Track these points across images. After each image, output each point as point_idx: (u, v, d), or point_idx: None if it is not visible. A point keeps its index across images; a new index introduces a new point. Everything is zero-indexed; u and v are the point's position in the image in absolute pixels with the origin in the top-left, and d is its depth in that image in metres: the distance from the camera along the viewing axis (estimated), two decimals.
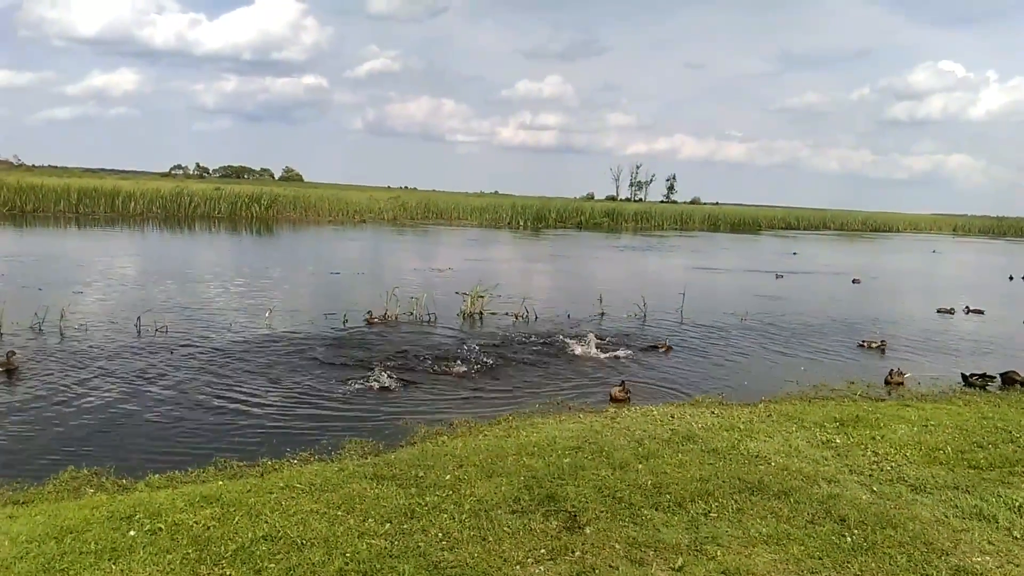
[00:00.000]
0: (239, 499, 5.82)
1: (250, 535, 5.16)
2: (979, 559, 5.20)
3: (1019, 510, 6.10)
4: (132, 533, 5.15)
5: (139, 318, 13.85)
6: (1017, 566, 5.13)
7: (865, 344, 14.80)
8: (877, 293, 25.54)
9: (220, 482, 6.45)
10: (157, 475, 6.75)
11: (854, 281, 27.78)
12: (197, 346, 12.34)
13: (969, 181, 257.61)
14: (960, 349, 15.34)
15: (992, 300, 24.02)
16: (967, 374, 11.93)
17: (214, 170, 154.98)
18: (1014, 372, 11.83)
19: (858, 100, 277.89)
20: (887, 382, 11.62)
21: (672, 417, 8.79)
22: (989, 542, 5.50)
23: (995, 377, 11.78)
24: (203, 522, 5.37)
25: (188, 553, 4.90)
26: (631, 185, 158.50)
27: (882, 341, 14.90)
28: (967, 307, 20.88)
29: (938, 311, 20.60)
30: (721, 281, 26.87)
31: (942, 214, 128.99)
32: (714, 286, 25.20)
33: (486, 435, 8.02)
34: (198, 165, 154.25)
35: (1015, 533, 5.65)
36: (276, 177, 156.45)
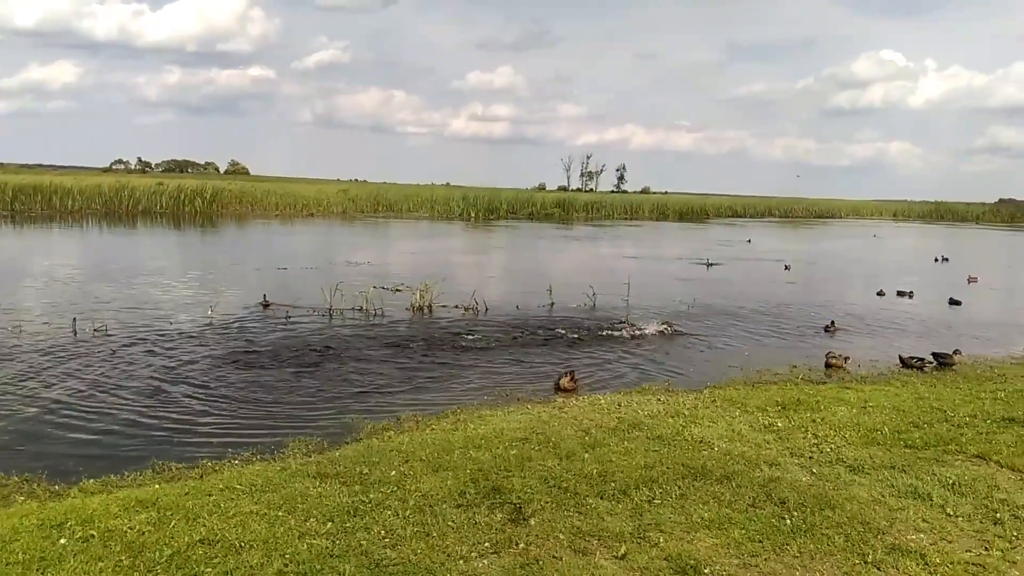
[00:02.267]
0: (176, 502, 5.67)
1: (186, 539, 5.03)
2: (914, 537, 5.34)
3: (952, 488, 6.27)
4: (63, 541, 4.97)
5: (75, 319, 13.44)
6: (950, 543, 5.27)
7: (831, 329, 15.19)
8: (813, 278, 26.10)
9: (157, 485, 6.28)
10: (92, 480, 6.54)
11: (785, 267, 28.34)
12: (137, 346, 12.01)
13: (909, 167, 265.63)
14: (894, 330, 15.76)
15: (922, 282, 24.85)
16: (904, 356, 12.24)
17: (157, 164, 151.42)
18: (949, 353, 12.22)
19: (803, 89, 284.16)
20: (827, 364, 11.87)
21: (619, 405, 8.85)
22: (924, 520, 5.64)
23: (932, 360, 12.12)
24: (138, 527, 5.22)
25: (121, 560, 4.75)
26: (582, 175, 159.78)
27: (832, 322, 15.34)
28: (910, 291, 21.44)
29: (878, 294, 21.18)
30: (667, 269, 27.16)
31: (883, 200, 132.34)
32: (660, 274, 25.46)
33: (433, 429, 7.96)
34: (140, 159, 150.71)
35: (948, 510, 5.80)
36: (222, 171, 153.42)
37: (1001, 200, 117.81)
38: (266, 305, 15.91)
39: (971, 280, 24.87)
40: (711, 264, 28.55)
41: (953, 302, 20.03)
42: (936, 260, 34.05)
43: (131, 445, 7.75)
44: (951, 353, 12.25)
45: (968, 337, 14.78)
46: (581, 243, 40.94)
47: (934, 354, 12.28)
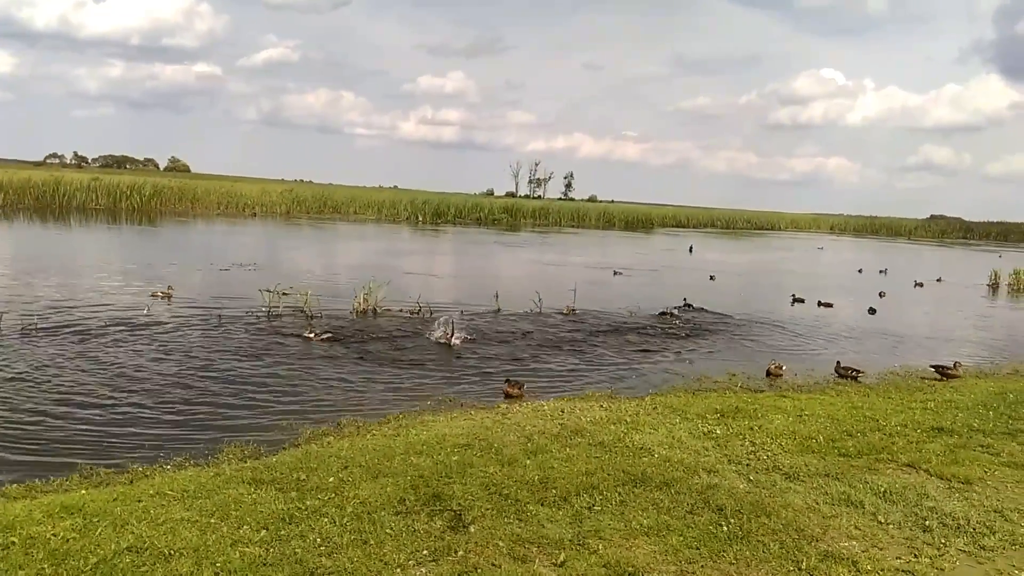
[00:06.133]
0: (104, 508, 5.46)
1: (113, 547, 4.84)
2: (846, 544, 5.44)
3: (884, 495, 6.43)
4: None
5: (1, 316, 12.88)
6: (881, 549, 5.39)
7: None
8: (741, 288, 26.74)
9: (84, 491, 6.04)
10: (15, 485, 6.28)
11: (710, 278, 28.74)
12: (65, 345, 11.58)
13: (846, 182, 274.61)
14: (824, 339, 16.15)
15: (853, 293, 25.64)
16: (841, 366, 12.53)
17: (93, 159, 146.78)
18: (950, 366, 12.59)
19: (746, 104, 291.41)
20: (768, 373, 12.07)
21: (562, 412, 8.86)
22: (856, 527, 5.76)
23: (933, 372, 12.54)
24: (62, 534, 5.01)
25: (43, 568, 4.55)
26: (530, 182, 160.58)
27: (679, 305, 15.67)
28: (827, 302, 22.04)
29: (796, 301, 21.84)
30: (611, 277, 27.39)
31: (821, 213, 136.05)
32: (604, 282, 25.68)
33: (374, 434, 7.85)
34: (76, 154, 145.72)
35: (880, 518, 5.94)
36: (161, 168, 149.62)
37: (932, 216, 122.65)
38: (168, 296, 16.16)
39: (882, 295, 25.83)
40: (617, 272, 28.67)
41: (871, 311, 21.33)
42: (859, 271, 36.10)
43: (58, 448, 7.44)
44: (952, 365, 12.65)
45: (905, 348, 15.24)
46: (528, 250, 41.06)
47: (934, 366, 12.67)
